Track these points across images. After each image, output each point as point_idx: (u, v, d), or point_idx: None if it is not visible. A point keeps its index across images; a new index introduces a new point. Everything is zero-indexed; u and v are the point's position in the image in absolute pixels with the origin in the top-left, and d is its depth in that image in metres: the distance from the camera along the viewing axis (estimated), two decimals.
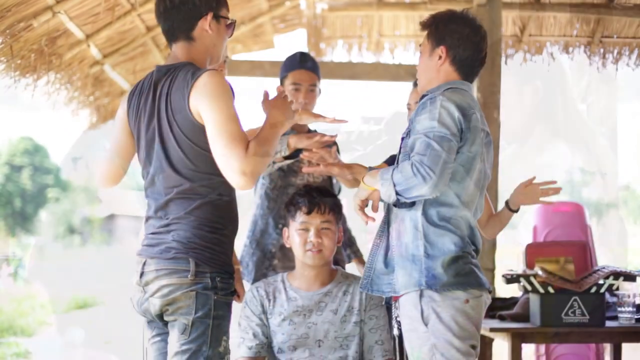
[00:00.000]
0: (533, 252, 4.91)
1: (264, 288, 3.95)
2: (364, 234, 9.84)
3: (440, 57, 3.50)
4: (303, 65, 4.77)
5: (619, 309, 4.65)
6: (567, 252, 4.84)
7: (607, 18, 6.85)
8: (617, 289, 4.60)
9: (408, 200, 3.27)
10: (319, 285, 3.93)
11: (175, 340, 3.09)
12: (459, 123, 3.29)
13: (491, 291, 3.51)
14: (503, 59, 6.52)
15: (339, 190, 4.89)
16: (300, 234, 3.85)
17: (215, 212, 3.16)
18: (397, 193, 3.23)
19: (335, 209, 3.93)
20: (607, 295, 4.98)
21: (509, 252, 10.45)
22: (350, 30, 7.35)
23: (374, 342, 3.88)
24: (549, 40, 7.16)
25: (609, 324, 4.63)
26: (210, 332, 3.06)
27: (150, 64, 6.69)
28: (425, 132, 3.25)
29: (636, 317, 4.64)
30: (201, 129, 3.09)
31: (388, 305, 4.04)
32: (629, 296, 4.63)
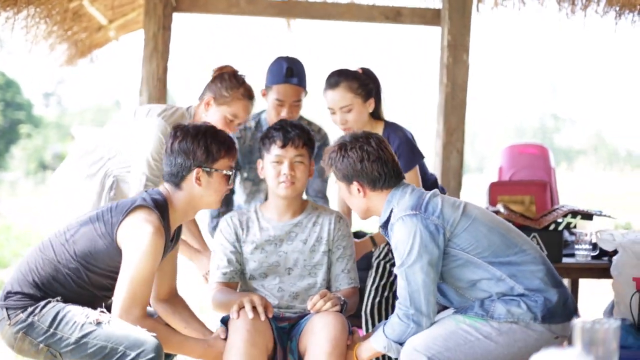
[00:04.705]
0: (496, 191, 5.08)
1: (238, 217, 4.08)
2: None
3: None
4: (288, 80, 4.64)
5: (576, 246, 4.80)
6: (528, 190, 5.02)
7: None
8: (575, 227, 4.77)
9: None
10: (290, 216, 4.08)
11: None
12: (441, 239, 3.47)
13: None
14: (474, 2, 6.59)
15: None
16: (274, 166, 3.98)
17: (55, 276, 3.43)
18: (399, 342, 3.49)
19: (309, 143, 4.05)
20: (567, 234, 5.17)
21: (475, 191, 10.65)
22: None
23: (340, 271, 4.04)
24: None
25: (567, 260, 4.81)
26: (62, 334, 3.33)
27: (128, 0, 6.74)
28: (402, 264, 3.44)
29: (592, 254, 4.82)
30: (118, 251, 3.41)
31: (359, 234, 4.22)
32: (586, 235, 4.78)
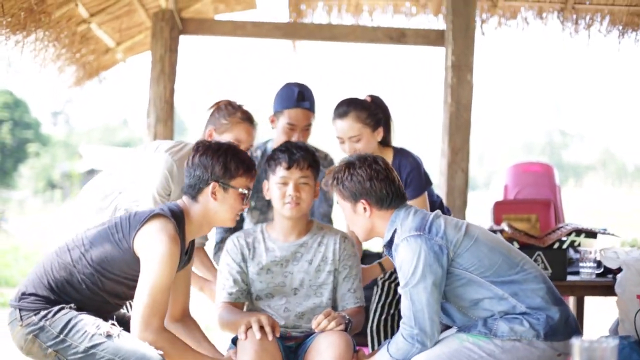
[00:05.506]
0: (500, 209, 5.12)
1: (244, 238, 4.13)
2: None
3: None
4: (300, 104, 4.61)
5: (581, 264, 4.80)
6: (532, 209, 5.04)
7: None
8: (579, 245, 4.79)
9: None
10: (296, 237, 4.12)
11: None
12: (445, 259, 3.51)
13: None
14: (478, 23, 6.64)
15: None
16: (279, 187, 4.02)
17: (69, 280, 3.49)
18: None
19: (314, 165, 4.09)
20: (571, 252, 5.20)
21: (482, 209, 10.68)
22: None
23: (346, 290, 4.07)
24: (523, 6, 7.26)
25: (571, 278, 4.83)
26: (71, 341, 3.39)
27: (135, 23, 6.80)
28: (406, 284, 3.49)
29: (597, 272, 4.84)
30: (135, 258, 3.47)
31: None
32: (590, 252, 4.79)
